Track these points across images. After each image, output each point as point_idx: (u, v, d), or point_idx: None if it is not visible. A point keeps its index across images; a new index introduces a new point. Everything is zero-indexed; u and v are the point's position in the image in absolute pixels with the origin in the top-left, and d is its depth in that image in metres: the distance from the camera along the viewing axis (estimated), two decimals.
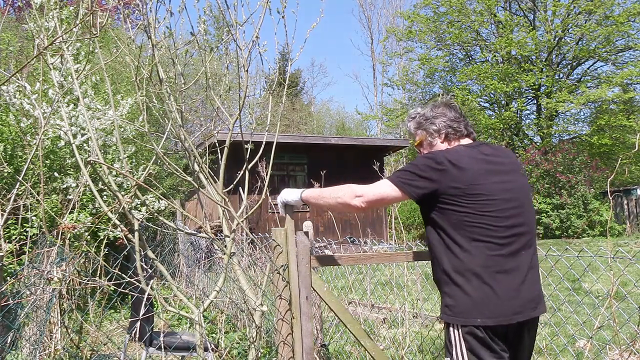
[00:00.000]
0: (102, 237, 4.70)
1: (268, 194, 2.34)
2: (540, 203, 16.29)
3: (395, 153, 18.46)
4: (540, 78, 20.29)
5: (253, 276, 4.26)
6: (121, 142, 2.50)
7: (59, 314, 3.63)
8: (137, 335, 3.13)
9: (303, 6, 2.32)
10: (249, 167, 2.49)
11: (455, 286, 1.78)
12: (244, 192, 2.57)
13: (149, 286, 2.10)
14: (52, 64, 2.83)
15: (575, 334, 4.23)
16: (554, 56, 21.14)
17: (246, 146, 2.48)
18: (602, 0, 18.48)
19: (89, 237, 4.85)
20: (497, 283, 1.73)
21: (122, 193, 2.87)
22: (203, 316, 2.22)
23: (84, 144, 4.02)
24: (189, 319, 3.04)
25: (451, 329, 1.79)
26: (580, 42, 20.45)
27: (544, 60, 20.91)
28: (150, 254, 2.22)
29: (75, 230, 4.25)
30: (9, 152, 5.15)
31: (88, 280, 3.56)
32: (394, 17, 32.07)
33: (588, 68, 21.82)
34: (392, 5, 34.10)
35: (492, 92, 21.44)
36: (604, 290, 4.75)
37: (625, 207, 16.76)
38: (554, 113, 20.74)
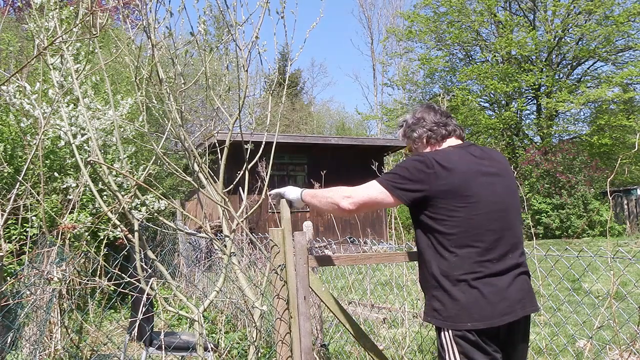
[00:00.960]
0: (102, 237, 4.71)
1: (268, 194, 2.34)
2: (540, 203, 16.28)
3: (395, 153, 18.44)
4: (540, 78, 20.27)
5: (253, 276, 4.26)
6: (121, 142, 2.50)
7: (58, 314, 3.64)
8: (137, 335, 3.13)
9: (303, 6, 2.33)
10: (249, 167, 2.49)
11: (443, 291, 1.79)
12: (243, 192, 2.57)
13: (149, 286, 2.11)
14: (52, 64, 2.83)
15: (575, 334, 4.23)
16: (554, 56, 21.13)
17: (246, 146, 2.48)
18: (602, 0, 18.46)
19: (89, 237, 4.85)
20: (485, 287, 1.75)
21: (122, 193, 2.87)
22: (203, 316, 2.22)
23: (84, 144, 4.01)
24: (188, 319, 3.04)
25: (442, 332, 1.80)
26: (580, 42, 20.44)
27: (544, 60, 20.90)
28: (150, 254, 2.22)
29: (75, 230, 4.26)
30: (9, 152, 5.15)
31: (88, 280, 3.55)
32: (394, 17, 32.13)
33: (588, 68, 21.81)
34: (392, 5, 34.19)
35: (492, 92, 21.43)
36: (604, 290, 4.75)
37: (625, 207, 16.74)
38: (554, 113, 20.74)
